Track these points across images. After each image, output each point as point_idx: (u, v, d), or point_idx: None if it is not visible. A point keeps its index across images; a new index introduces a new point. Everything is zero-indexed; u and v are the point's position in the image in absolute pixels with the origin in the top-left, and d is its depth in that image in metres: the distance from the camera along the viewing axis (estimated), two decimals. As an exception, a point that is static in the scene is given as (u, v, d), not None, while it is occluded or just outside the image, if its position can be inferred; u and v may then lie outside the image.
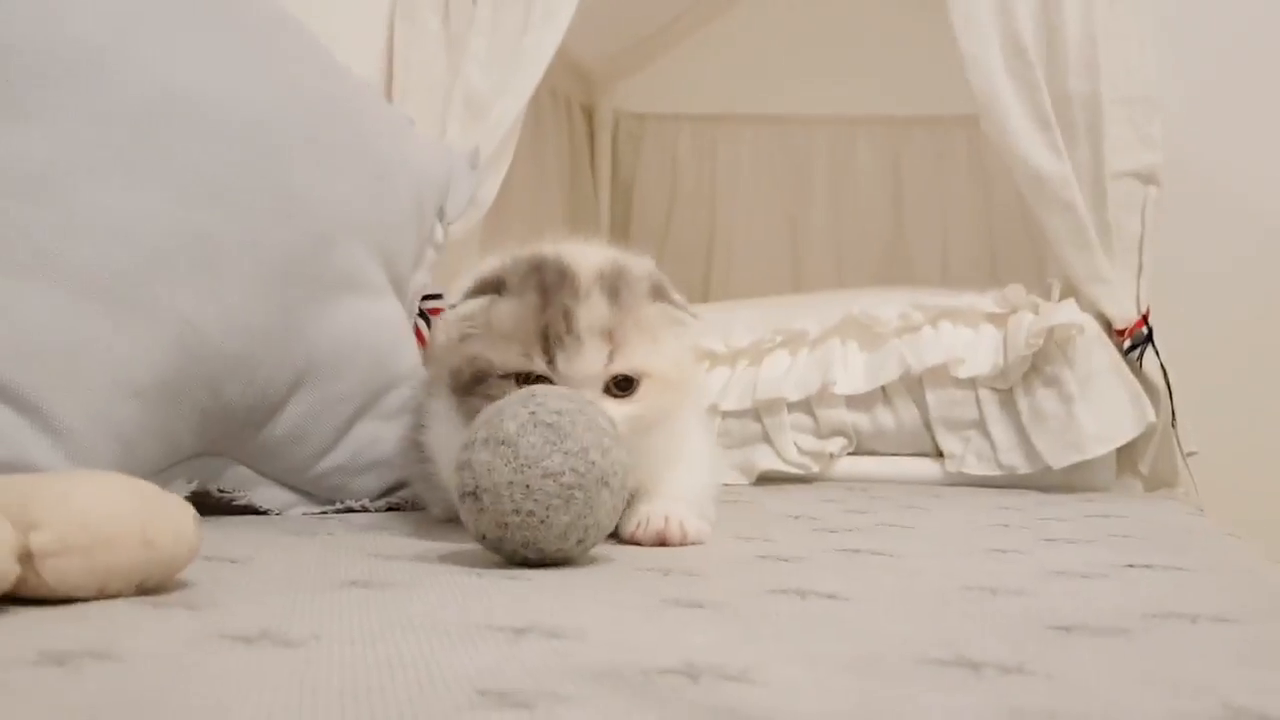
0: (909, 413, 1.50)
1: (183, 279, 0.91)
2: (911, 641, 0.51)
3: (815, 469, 1.50)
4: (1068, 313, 1.43)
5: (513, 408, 0.74)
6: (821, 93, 2.29)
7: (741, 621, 0.55)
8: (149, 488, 0.62)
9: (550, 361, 0.81)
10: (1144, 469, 1.49)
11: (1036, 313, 1.47)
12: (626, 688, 0.42)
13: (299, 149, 1.04)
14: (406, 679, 0.42)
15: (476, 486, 0.72)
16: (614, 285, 0.83)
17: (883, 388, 1.50)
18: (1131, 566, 0.77)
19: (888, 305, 1.56)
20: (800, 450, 1.50)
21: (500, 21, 1.65)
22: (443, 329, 1.56)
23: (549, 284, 0.82)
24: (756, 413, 1.52)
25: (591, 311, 0.82)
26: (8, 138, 0.85)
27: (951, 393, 1.49)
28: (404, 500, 1.13)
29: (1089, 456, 1.41)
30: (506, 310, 0.83)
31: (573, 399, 0.76)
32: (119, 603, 0.57)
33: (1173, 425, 1.48)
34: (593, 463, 0.72)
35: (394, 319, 1.17)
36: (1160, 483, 1.51)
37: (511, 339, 0.82)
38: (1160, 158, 1.46)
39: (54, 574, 0.56)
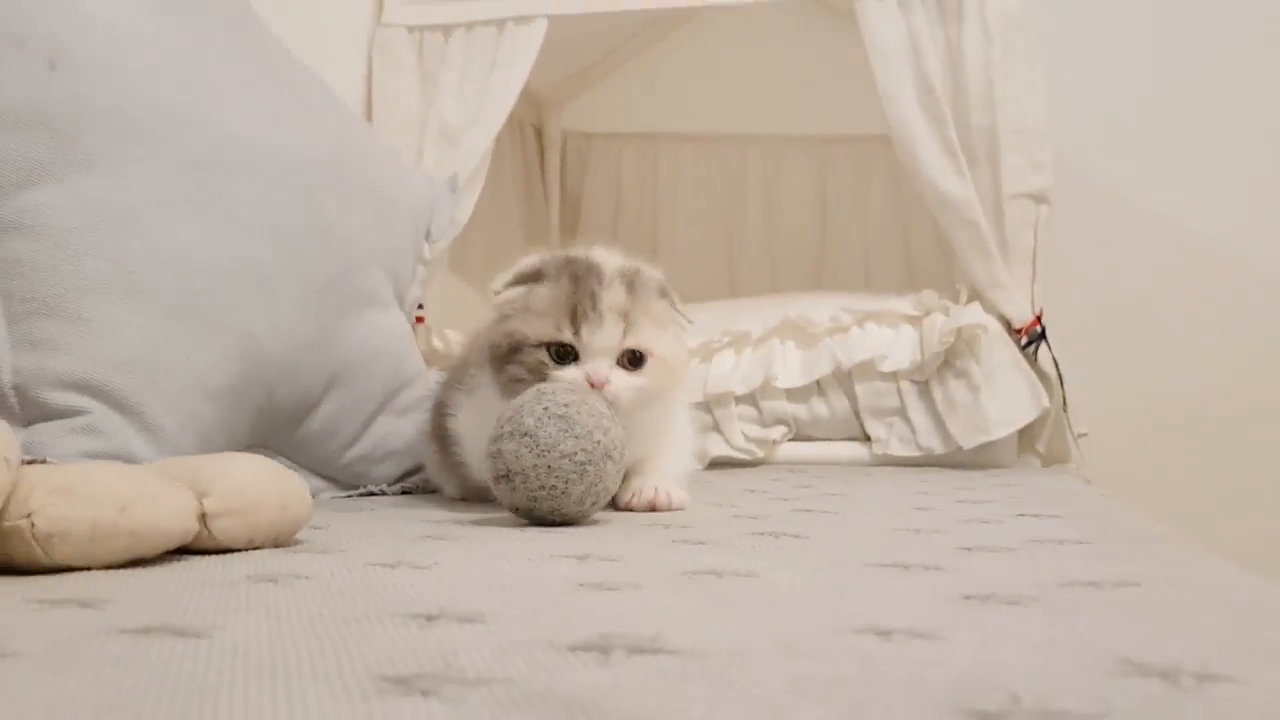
0: (840, 403, 1.72)
1: (244, 299, 1.09)
2: (861, 557, 0.71)
3: (760, 454, 1.71)
4: (973, 314, 1.66)
5: (529, 405, 0.93)
6: (753, 114, 2.51)
7: (737, 551, 0.75)
8: (278, 465, 0.80)
9: (576, 333, 1.00)
10: (1041, 448, 1.73)
11: (947, 314, 1.69)
12: (673, 582, 0.61)
13: (329, 187, 1.22)
14: (523, 581, 0.62)
15: (508, 470, 0.91)
16: (631, 280, 1.02)
17: (817, 381, 1.72)
18: (1022, 515, 0.99)
19: (819, 309, 1.77)
20: (747, 438, 1.72)
21: (470, 58, 1.83)
22: (422, 335, 1.75)
23: (579, 274, 1.02)
24: (708, 405, 1.72)
25: (613, 296, 1.00)
26: (101, 185, 1.01)
27: (877, 385, 1.71)
28: (415, 485, 1.31)
29: (994, 438, 1.64)
30: (543, 293, 1.02)
31: (575, 392, 0.95)
32: (267, 552, 0.75)
33: (1064, 410, 1.72)
34: (598, 442, 0.92)
35: (402, 329, 1.36)
36: (1055, 459, 1.74)
37: (545, 315, 1.01)
38: (1050, 181, 1.69)
39: (220, 531, 0.74)
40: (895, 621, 0.50)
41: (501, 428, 0.92)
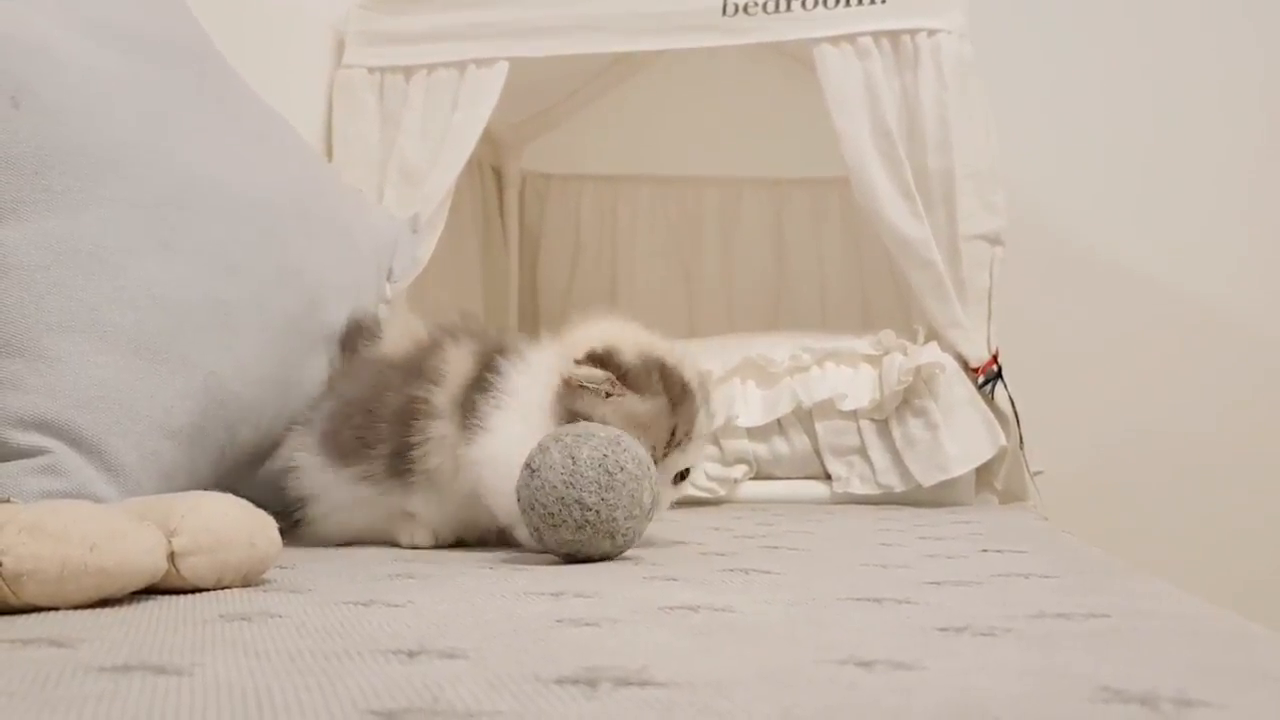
0: (801, 441, 1.73)
1: (208, 338, 1.08)
2: (833, 591, 0.72)
3: (722, 492, 1.72)
4: (931, 354, 1.68)
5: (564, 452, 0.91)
6: (711, 156, 2.53)
7: (710, 586, 0.76)
8: (246, 503, 0.79)
9: None
10: (998, 485, 1.75)
11: (905, 354, 1.71)
12: (652, 617, 0.62)
13: (292, 225, 1.22)
14: (501, 617, 0.62)
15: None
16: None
17: (778, 420, 1.73)
18: (985, 551, 1.00)
19: (779, 348, 1.78)
20: (708, 476, 1.72)
21: (432, 100, 1.84)
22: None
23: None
24: (669, 444, 1.72)
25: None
26: (65, 222, 1.00)
27: (837, 423, 1.72)
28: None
29: (953, 475, 1.65)
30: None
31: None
32: (237, 591, 0.75)
33: (1021, 448, 1.74)
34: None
35: (365, 368, 1.35)
36: (1012, 497, 1.76)
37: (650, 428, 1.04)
38: (1004, 222, 1.72)
39: (189, 569, 0.73)
40: (875, 653, 0.50)
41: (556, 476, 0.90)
